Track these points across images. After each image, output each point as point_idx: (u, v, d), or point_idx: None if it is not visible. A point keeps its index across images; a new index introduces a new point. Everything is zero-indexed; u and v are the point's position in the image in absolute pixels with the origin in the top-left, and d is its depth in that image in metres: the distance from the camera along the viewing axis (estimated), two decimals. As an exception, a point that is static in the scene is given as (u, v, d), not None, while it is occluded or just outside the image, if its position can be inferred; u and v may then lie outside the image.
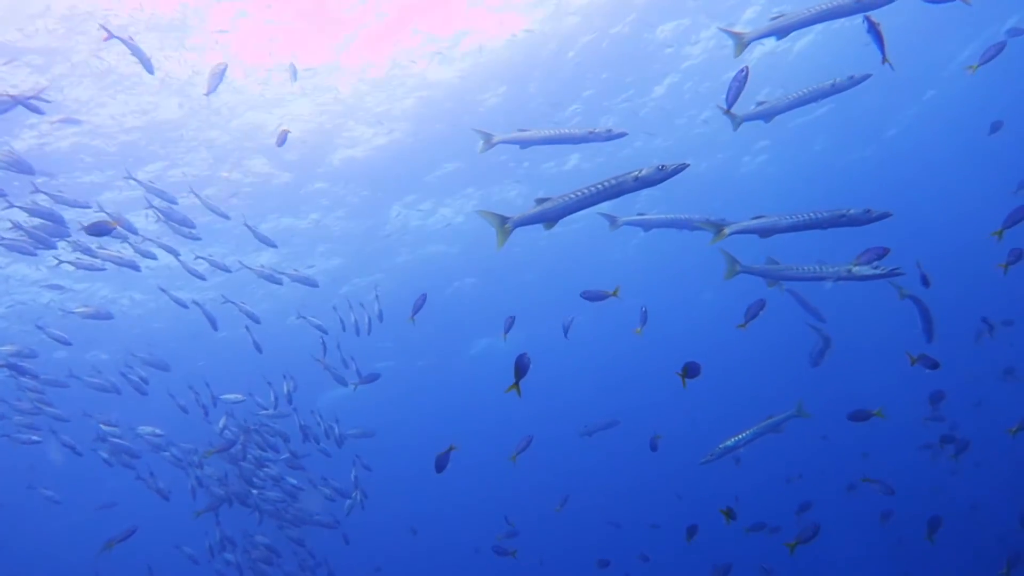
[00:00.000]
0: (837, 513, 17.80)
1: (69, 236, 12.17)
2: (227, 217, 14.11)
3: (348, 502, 15.45)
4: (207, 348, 25.51)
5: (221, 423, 14.53)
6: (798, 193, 26.06)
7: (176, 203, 13.40)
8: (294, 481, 15.76)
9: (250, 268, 14.34)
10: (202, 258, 13.97)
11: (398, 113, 18.46)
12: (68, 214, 13.11)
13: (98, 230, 9.63)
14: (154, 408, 14.94)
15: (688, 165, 6.21)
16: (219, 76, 10.39)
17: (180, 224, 13.02)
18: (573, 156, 21.66)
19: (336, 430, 15.56)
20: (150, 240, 13.63)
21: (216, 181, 19.20)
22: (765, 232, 8.01)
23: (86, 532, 18.30)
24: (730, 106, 7.66)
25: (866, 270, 7.86)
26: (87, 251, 12.58)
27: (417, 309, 10.92)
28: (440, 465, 8.69)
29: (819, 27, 17.46)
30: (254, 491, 14.87)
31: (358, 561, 22.09)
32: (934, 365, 9.73)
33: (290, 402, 14.81)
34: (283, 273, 14.36)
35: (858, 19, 7.62)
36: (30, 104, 10.33)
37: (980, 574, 21.00)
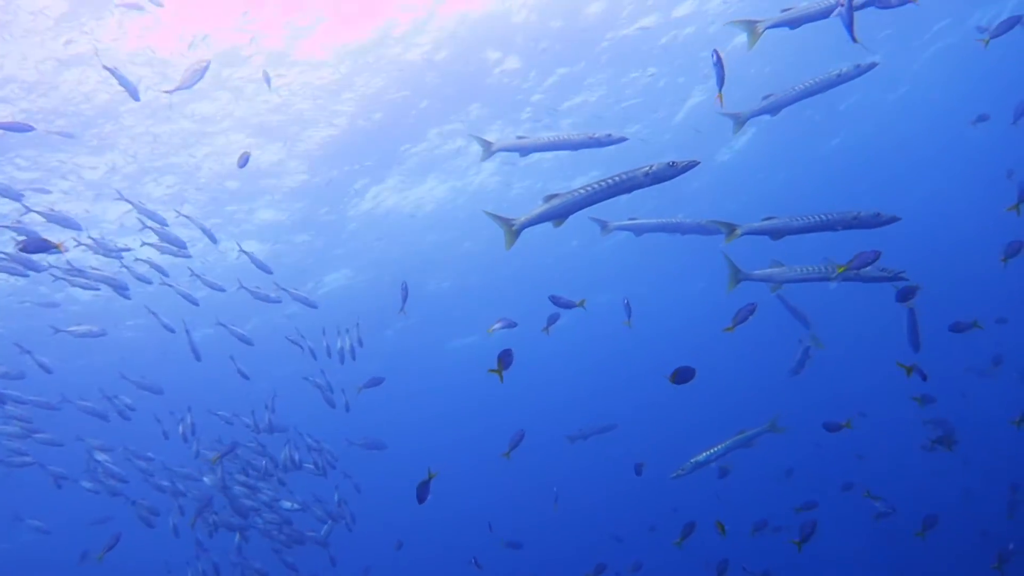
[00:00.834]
0: (832, 511, 17.92)
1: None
2: (215, 241, 13.99)
3: (326, 526, 15.30)
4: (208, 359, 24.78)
5: (194, 448, 14.12)
6: (776, 190, 26.29)
7: (167, 224, 13.35)
8: (288, 504, 15.55)
9: (247, 289, 14.07)
10: (197, 276, 13.84)
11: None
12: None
13: (35, 247, 8.95)
14: (154, 431, 14.74)
15: (699, 162, 6.26)
16: (199, 73, 9.96)
17: (173, 245, 12.95)
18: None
19: (326, 452, 15.45)
20: (143, 261, 13.57)
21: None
22: (777, 233, 7.95)
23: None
24: (720, 87, 6.84)
25: (873, 272, 7.93)
26: (79, 271, 12.46)
27: (405, 298, 10.64)
28: (421, 495, 8.42)
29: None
30: (243, 518, 14.53)
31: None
32: (924, 377, 9.91)
33: (271, 431, 14.40)
34: (284, 289, 14.27)
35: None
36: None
37: (968, 568, 21.23)
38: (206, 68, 9.97)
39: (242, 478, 14.61)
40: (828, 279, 8.12)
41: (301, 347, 13.69)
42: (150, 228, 12.79)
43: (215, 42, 14.81)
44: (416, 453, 29.06)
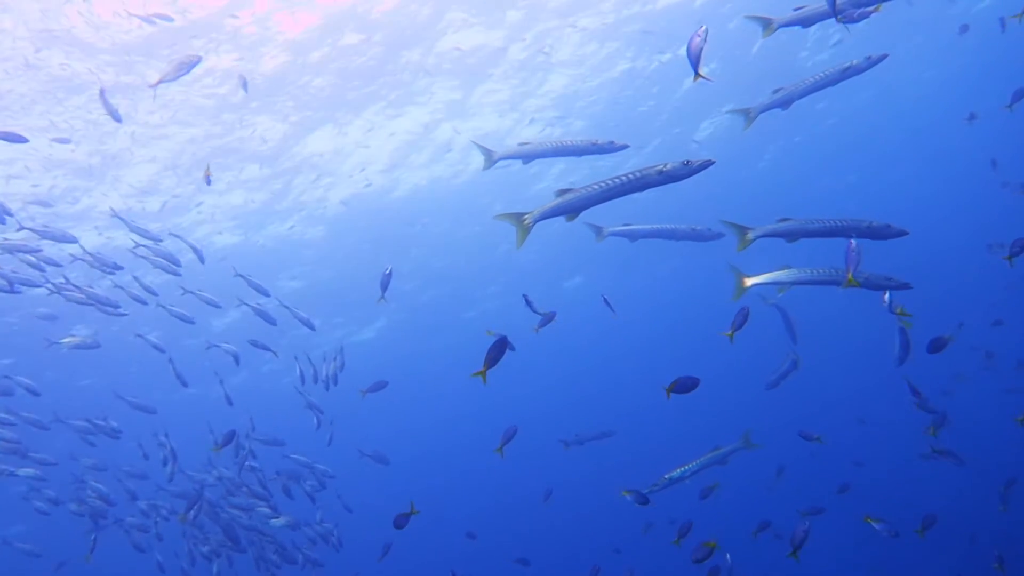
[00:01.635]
0: (828, 515, 18.02)
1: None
2: (203, 260, 13.87)
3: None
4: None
5: (169, 469, 13.68)
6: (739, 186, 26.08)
7: (161, 240, 13.25)
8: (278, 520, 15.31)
9: (249, 305, 13.87)
10: (192, 293, 13.69)
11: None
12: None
13: None
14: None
15: (714, 162, 6.28)
16: (187, 67, 9.54)
17: (166, 262, 12.85)
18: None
19: (319, 472, 15.34)
20: (136, 278, 13.47)
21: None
22: (792, 236, 7.90)
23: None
24: (695, 69, 6.20)
25: (880, 280, 7.94)
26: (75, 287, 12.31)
27: (385, 287, 9.97)
28: (399, 524, 8.24)
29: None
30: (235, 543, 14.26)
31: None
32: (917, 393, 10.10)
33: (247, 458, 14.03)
34: (285, 307, 14.23)
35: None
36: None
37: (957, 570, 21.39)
38: (196, 62, 9.64)
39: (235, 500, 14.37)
40: (837, 283, 7.93)
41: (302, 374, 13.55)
42: (143, 245, 12.68)
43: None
44: (405, 463, 28.67)
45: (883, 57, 8.44)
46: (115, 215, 13.56)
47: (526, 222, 6.71)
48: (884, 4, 8.01)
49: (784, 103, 8.79)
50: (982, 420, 21.94)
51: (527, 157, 9.59)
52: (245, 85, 12.98)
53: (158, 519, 14.70)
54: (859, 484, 15.32)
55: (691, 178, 6.35)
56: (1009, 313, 20.13)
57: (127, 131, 17.21)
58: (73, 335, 14.04)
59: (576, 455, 18.76)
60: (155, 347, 14.26)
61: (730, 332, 8.44)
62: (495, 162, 9.66)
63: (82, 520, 14.92)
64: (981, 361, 19.38)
